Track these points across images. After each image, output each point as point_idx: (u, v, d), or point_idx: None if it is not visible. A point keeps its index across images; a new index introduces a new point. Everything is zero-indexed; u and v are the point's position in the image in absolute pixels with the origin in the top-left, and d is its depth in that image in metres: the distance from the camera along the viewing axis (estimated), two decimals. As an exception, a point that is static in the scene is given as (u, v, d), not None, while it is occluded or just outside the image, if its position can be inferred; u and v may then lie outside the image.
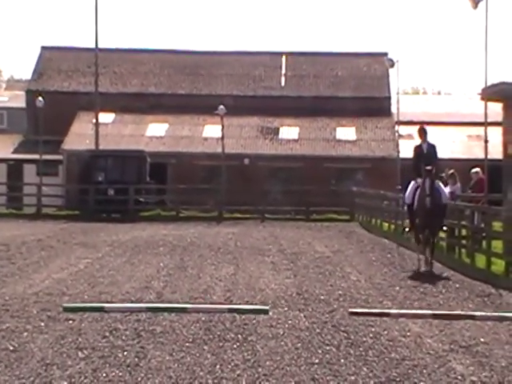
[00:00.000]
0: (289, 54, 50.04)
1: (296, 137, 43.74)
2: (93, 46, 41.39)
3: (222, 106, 39.45)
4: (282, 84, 47.76)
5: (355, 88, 46.75)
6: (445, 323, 10.31)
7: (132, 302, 11.74)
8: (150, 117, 44.68)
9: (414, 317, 10.70)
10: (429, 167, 15.61)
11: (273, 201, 35.75)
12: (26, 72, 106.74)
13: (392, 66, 41.20)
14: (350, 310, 11.08)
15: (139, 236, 24.23)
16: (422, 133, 16.58)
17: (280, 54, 50.23)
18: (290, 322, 10.35)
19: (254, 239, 24.03)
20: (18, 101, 50.53)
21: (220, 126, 39.50)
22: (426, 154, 16.25)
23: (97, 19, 40.35)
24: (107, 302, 11.54)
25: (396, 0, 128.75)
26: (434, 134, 45.74)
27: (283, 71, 48.55)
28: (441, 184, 16.54)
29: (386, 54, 45.12)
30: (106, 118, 42.96)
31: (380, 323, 10.25)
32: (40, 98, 40.59)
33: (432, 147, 16.46)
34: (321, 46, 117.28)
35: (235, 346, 8.93)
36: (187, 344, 8.96)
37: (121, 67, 48.51)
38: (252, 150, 42.48)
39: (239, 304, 11.61)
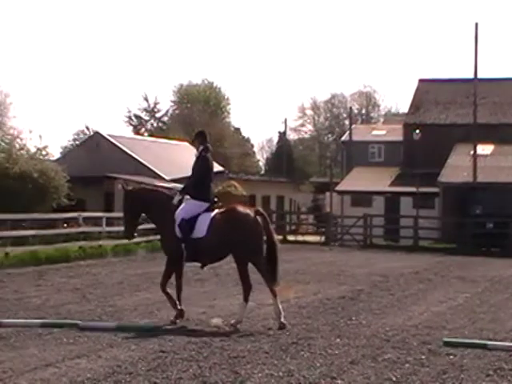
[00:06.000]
0: None
1: None
2: (471, 76, 40.94)
3: None
4: None
5: None
6: None
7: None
8: (532, 147, 42.86)
9: None
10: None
11: None
12: (403, 105, 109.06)
13: None
14: None
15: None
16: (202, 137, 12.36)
17: None
18: None
19: None
20: (395, 134, 51.71)
21: None
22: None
23: (476, 49, 39.81)
24: (489, 340, 11.05)
25: None
26: None
27: None
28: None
29: None
30: (484, 149, 42.09)
31: None
32: (417, 131, 41.05)
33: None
34: None
35: None
36: None
37: (501, 97, 47.32)
38: None
39: None
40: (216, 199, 12.35)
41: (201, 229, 11.85)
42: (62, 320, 12.08)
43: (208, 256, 12.11)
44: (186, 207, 12.03)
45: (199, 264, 12.38)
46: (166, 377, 8.46)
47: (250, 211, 12.08)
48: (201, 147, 12.31)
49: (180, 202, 12.18)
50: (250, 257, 11.87)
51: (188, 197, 12.21)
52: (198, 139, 12.40)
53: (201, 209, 12.03)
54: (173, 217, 11.99)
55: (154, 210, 12.31)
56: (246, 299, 11.91)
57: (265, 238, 12.02)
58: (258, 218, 11.97)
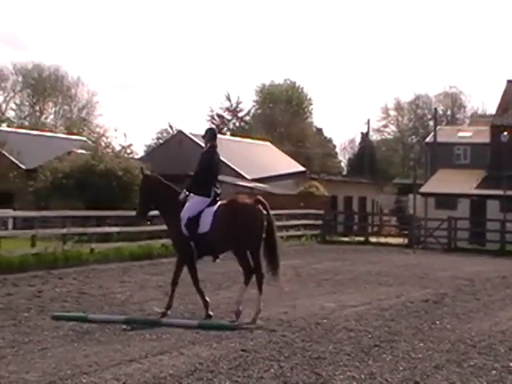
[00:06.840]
0: None
1: None
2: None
3: None
4: None
5: None
6: None
7: None
8: None
9: None
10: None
11: None
12: (490, 106, 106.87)
13: None
14: None
15: None
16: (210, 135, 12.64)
17: None
18: None
19: None
20: (482, 136, 50.65)
21: None
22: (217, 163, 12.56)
23: None
24: None
25: None
26: None
27: None
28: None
29: None
30: None
31: None
32: (505, 133, 40.14)
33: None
34: None
35: None
36: None
37: None
38: None
39: None
40: (219, 193, 12.41)
41: (205, 224, 12.04)
42: (145, 317, 12.22)
43: (215, 248, 12.28)
44: (190, 205, 12.21)
45: (211, 257, 12.60)
46: (247, 376, 8.44)
47: (249, 201, 12.17)
48: (208, 144, 12.52)
49: (186, 199, 12.31)
50: (250, 245, 11.92)
51: (191, 194, 12.34)
52: (207, 136, 12.59)
53: (204, 204, 12.20)
54: (178, 214, 12.17)
55: (162, 203, 12.60)
56: (246, 283, 11.99)
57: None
58: (260, 206, 12.01)
